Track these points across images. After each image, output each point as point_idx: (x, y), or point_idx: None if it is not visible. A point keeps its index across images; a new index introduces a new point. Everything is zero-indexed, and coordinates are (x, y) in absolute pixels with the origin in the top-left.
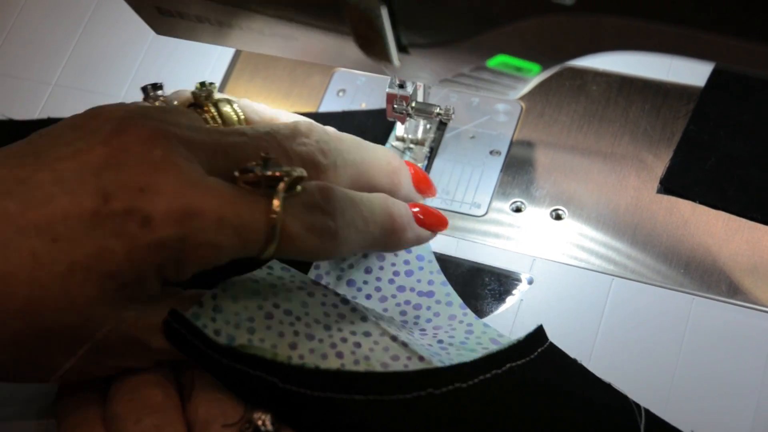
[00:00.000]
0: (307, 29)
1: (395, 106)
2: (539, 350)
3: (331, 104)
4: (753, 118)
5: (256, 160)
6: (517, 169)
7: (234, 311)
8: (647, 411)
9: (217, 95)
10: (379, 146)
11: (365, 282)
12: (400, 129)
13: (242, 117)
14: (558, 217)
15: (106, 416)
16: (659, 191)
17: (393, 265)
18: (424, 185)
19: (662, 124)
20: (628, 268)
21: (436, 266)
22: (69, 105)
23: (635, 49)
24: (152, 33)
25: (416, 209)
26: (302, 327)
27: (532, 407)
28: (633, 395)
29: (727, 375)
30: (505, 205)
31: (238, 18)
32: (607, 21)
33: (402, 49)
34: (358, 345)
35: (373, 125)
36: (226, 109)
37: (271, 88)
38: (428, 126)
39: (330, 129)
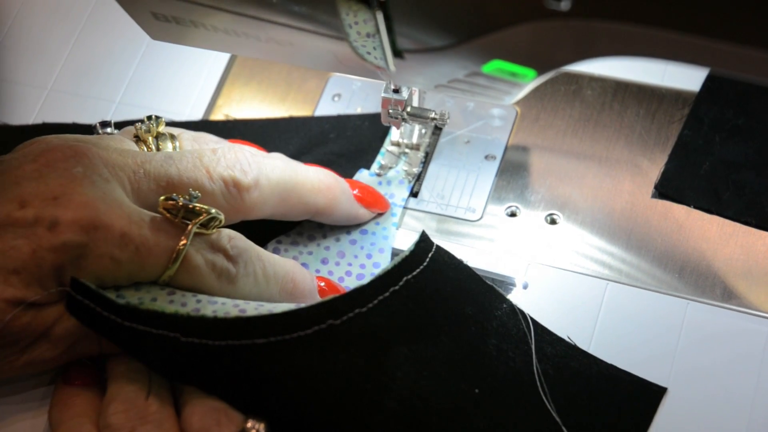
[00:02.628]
0: (303, 34)
1: (390, 110)
2: (430, 255)
3: (326, 109)
4: (747, 122)
5: (184, 193)
6: (512, 174)
7: (137, 294)
8: (523, 312)
9: (161, 129)
10: (312, 167)
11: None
12: (395, 134)
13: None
14: (553, 222)
15: (101, 426)
16: (654, 196)
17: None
18: (370, 199)
19: (657, 128)
20: (622, 272)
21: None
22: (64, 110)
23: (630, 55)
24: (148, 38)
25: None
26: (204, 296)
27: (431, 316)
28: None
29: (722, 379)
30: (500, 210)
31: (234, 23)
32: (602, 26)
33: (397, 54)
34: (261, 304)
35: (368, 130)
36: (166, 143)
37: (266, 93)
38: (423, 131)
39: (258, 151)
